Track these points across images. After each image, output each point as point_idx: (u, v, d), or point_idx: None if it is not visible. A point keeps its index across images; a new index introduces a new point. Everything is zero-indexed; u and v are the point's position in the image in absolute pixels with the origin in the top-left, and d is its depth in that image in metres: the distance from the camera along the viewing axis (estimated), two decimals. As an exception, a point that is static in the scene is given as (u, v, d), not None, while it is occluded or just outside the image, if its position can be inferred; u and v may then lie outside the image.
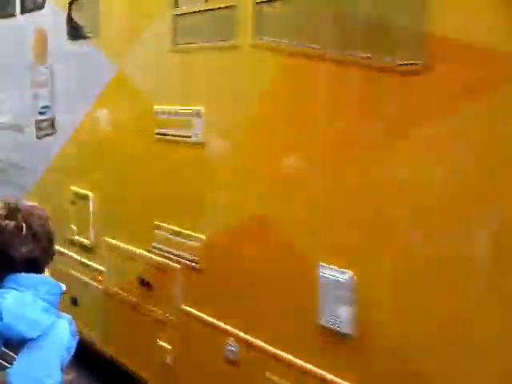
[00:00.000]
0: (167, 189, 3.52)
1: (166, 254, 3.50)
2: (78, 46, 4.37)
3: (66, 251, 4.61)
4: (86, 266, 4.35)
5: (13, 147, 5.45)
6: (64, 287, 1.89)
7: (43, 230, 1.83)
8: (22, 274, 1.77)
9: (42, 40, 4.84)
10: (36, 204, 1.95)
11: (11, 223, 1.77)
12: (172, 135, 3.44)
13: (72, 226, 4.48)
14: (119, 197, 3.96)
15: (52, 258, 1.91)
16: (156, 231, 3.57)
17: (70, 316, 1.83)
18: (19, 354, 1.67)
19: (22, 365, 1.66)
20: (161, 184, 3.57)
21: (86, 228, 4.33)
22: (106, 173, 4.09)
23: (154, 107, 3.55)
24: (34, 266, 1.79)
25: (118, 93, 3.95)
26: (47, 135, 4.85)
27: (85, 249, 4.36)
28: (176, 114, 3.40)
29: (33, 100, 5.00)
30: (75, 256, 4.49)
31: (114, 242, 3.99)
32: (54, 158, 4.75)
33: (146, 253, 3.67)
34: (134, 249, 3.78)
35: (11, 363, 1.68)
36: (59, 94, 4.65)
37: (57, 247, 4.52)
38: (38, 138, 4.97)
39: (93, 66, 4.20)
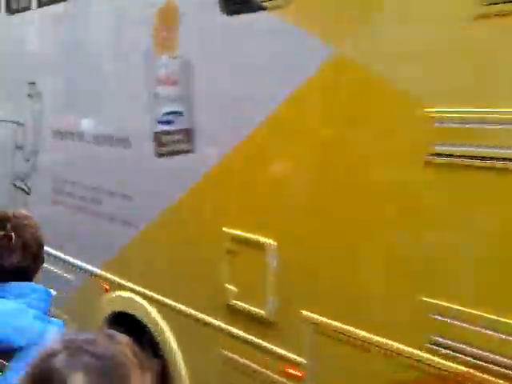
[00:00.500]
0: (462, 245, 2.11)
1: (465, 357, 2.08)
2: (244, 23, 2.97)
3: (213, 321, 3.19)
4: (259, 348, 2.92)
5: (111, 168, 4.03)
6: (54, 293, 1.91)
7: (33, 239, 1.83)
8: (12, 282, 1.77)
9: (169, 19, 3.44)
10: (25, 212, 1.91)
11: (0, 233, 1.78)
12: (481, 157, 2.02)
13: (229, 285, 3.05)
14: (336, 249, 2.55)
15: (42, 266, 1.89)
16: (435, 316, 2.16)
17: (61, 321, 1.80)
18: (10, 364, 1.65)
19: (12, 375, 1.56)
20: (443, 234, 2.15)
21: (258, 291, 2.91)
22: (308, 210, 2.67)
23: (429, 110, 2.15)
24: (24, 274, 1.80)
25: (334, 90, 2.55)
26: (176, 153, 3.43)
27: (256, 322, 2.93)
28: (497, 121, 1.99)
29: (149, 104, 3.60)
30: (233, 330, 3.06)
31: (328, 321, 2.56)
32: (190, 185, 3.33)
33: (412, 350, 2.24)
34: (382, 339, 2.35)
35: (2, 370, 1.67)
36: (202, 95, 3.24)
37: (197, 314, 3.12)
38: (159, 156, 3.56)
39: (276, 50, 2.80)
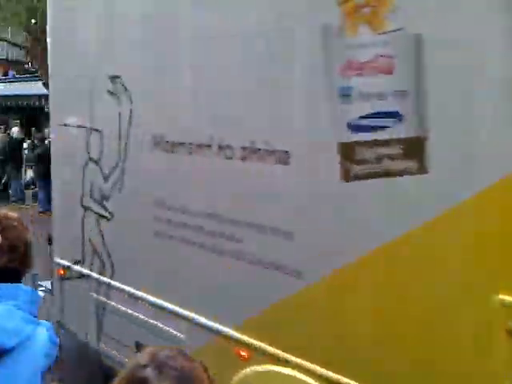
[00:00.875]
0: None
1: None
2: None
3: None
4: None
5: (257, 193, 2.89)
6: (42, 294, 1.94)
7: (20, 241, 1.83)
8: (1, 284, 1.78)
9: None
10: (12, 213, 1.92)
11: None
12: None
13: (513, 386, 1.94)
14: None
15: (29, 268, 1.90)
16: None
17: (49, 322, 1.84)
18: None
19: (1, 376, 1.64)
20: None
21: None
22: None
23: None
24: (12, 276, 1.81)
25: None
26: (387, 174, 2.31)
27: None
28: None
29: (330, 102, 2.48)
30: None
31: None
32: (414, 223, 2.20)
33: None
34: None
35: None
36: (445, 86, 2.13)
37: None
38: (350, 177, 2.43)
39: None
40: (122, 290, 3.86)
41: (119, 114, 3.80)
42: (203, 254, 3.18)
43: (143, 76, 3.61)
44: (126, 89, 3.74)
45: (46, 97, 21.14)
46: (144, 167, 3.66)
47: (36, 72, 22.57)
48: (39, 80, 20.05)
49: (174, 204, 3.39)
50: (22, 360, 1.67)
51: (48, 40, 4.65)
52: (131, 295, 3.78)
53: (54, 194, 4.74)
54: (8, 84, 26.30)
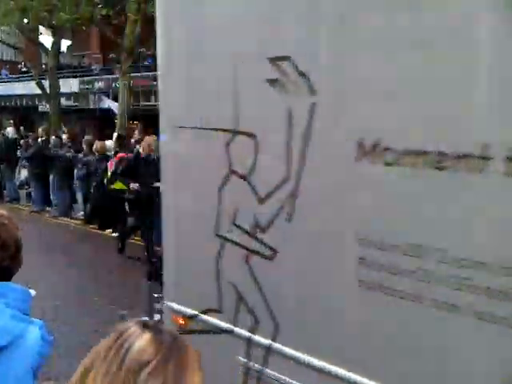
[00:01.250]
0: None
1: None
2: None
3: None
4: None
5: None
6: (33, 292, 1.88)
7: (10, 239, 1.82)
8: None
9: None
10: (1, 210, 1.89)
11: None
12: None
13: None
14: None
15: (20, 266, 1.88)
16: None
17: (41, 321, 1.81)
18: None
19: None
20: None
21: None
22: None
23: None
24: (3, 274, 1.80)
25: None
26: None
27: None
28: None
29: None
30: None
31: None
32: None
33: None
34: None
35: None
36: None
37: None
38: None
39: None
40: (295, 359, 2.75)
41: (289, 111, 2.68)
42: (457, 321, 2.05)
43: (337, 54, 2.49)
44: (302, 75, 2.62)
45: (39, 96, 20.60)
46: (339, 186, 2.53)
47: (29, 72, 21.76)
48: (32, 80, 19.27)
49: (405, 243, 2.26)
50: (14, 358, 1.65)
51: (158, 15, 3.52)
52: (311, 367, 2.66)
53: (166, 218, 3.61)
54: (1, 84, 25.52)
